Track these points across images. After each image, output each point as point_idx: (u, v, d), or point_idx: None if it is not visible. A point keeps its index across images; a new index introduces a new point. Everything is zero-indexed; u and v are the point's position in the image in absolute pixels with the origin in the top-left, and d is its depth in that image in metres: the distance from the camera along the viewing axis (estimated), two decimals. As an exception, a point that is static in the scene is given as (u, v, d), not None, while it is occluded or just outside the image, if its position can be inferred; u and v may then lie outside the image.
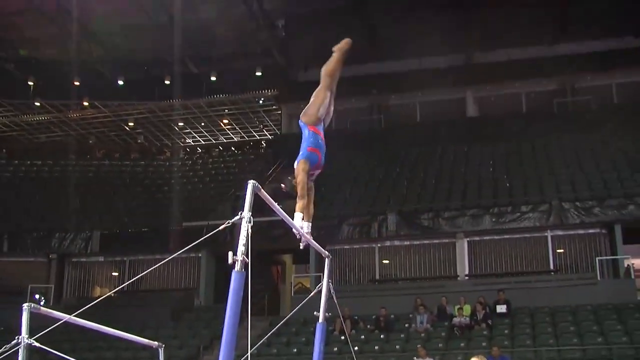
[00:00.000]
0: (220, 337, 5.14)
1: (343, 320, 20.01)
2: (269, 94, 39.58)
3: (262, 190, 5.61)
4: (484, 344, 20.71)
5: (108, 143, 44.81)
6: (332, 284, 8.20)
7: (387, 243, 27.01)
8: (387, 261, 27.41)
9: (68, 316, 6.37)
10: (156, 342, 9.11)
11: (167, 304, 27.09)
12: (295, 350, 22.50)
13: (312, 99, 7.67)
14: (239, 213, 5.22)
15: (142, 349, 20.66)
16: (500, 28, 34.97)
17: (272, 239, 24.63)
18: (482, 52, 36.20)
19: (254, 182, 5.47)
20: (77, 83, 37.88)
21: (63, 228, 30.41)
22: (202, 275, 28.17)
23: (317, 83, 7.84)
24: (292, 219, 6.98)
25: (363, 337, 22.72)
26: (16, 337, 5.82)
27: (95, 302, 6.49)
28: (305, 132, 7.52)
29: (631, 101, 33.95)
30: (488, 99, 36.85)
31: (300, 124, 7.63)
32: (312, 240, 7.25)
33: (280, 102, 39.72)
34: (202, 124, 43.73)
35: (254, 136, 45.18)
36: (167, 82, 38.12)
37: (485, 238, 26.19)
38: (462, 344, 21.33)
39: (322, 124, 7.66)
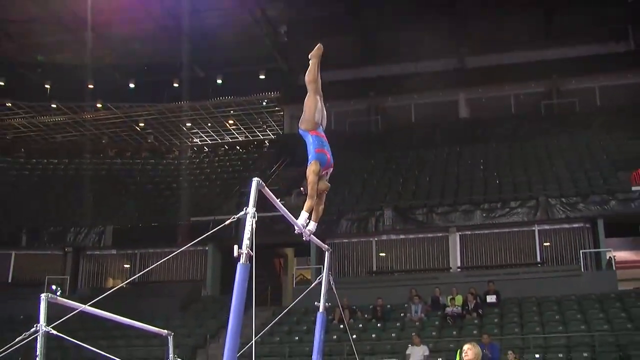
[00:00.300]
0: (226, 326, 5.16)
1: (342, 310, 20.01)
2: (272, 96, 39.60)
3: (266, 187, 5.62)
4: (474, 332, 20.72)
5: (120, 143, 44.82)
6: (331, 275, 8.22)
7: (384, 237, 27.00)
8: (383, 254, 27.41)
9: (83, 306, 6.39)
10: (165, 331, 9.12)
11: (176, 295, 27.07)
12: (296, 338, 22.52)
13: (305, 108, 7.72)
14: (244, 209, 5.24)
15: (153, 337, 20.65)
16: (491, 34, 35.06)
17: (274, 233, 24.63)
18: (473, 57, 36.20)
19: (258, 179, 5.48)
20: (91, 86, 37.91)
21: (78, 223, 30.44)
22: (208, 267, 28.15)
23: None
24: (298, 216, 6.98)
25: (361, 325, 22.73)
26: (35, 325, 5.84)
27: (108, 292, 6.50)
28: (309, 138, 7.49)
29: (614, 103, 33.94)
30: (479, 101, 36.85)
31: (301, 132, 7.61)
32: (314, 237, 7.26)
33: (282, 104, 39.70)
34: (209, 124, 43.73)
35: (258, 136, 45.18)
36: (175, 85, 38.18)
37: (476, 232, 26.20)
38: (454, 332, 21.34)
39: (321, 126, 7.63)
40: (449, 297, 22.75)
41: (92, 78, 37.48)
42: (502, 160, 31.41)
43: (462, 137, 33.91)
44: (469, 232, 26.26)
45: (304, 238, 7.10)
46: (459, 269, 25.91)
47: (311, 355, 8.17)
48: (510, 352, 17.95)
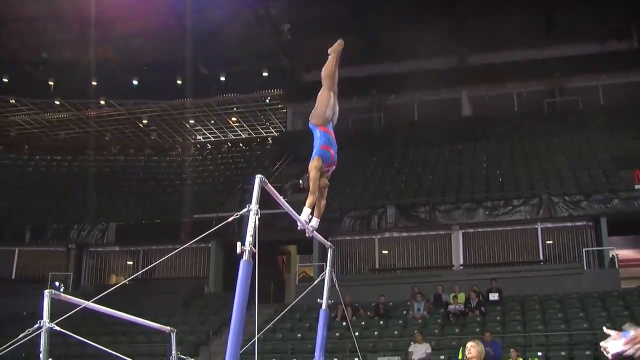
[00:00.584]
0: (229, 323, 5.15)
1: (345, 308, 20.02)
2: (275, 93, 39.58)
3: (269, 184, 5.61)
4: (477, 329, 20.72)
5: (123, 140, 44.82)
6: (334, 273, 8.21)
7: (386, 234, 27.00)
8: (386, 251, 27.41)
9: (86, 302, 6.39)
10: (168, 327, 9.13)
11: (179, 292, 27.09)
12: (299, 335, 22.52)
13: (317, 102, 7.64)
14: (247, 206, 5.23)
15: (155, 333, 20.69)
16: (493, 33, 35.00)
17: (277, 230, 24.64)
18: (475, 55, 36.19)
19: (261, 176, 5.47)
20: (94, 83, 37.92)
21: (81, 220, 30.52)
22: (211, 264, 28.16)
23: (320, 84, 7.83)
24: (300, 212, 6.96)
25: (363, 323, 22.73)
26: (38, 322, 5.84)
27: (111, 289, 6.50)
28: (317, 133, 7.47)
29: (616, 102, 33.89)
30: (482, 99, 36.81)
31: (310, 126, 7.58)
32: (316, 233, 7.24)
33: (285, 102, 39.75)
34: (212, 121, 43.70)
35: (261, 133, 45.13)
36: (178, 82, 38.17)
37: (478, 230, 26.19)
38: (456, 330, 21.35)
39: (331, 123, 7.60)
40: (451, 295, 22.74)
41: (95, 75, 37.48)
42: (505, 158, 31.39)
43: (465, 135, 33.91)
44: (472, 230, 26.24)
45: (306, 234, 7.09)
46: (461, 267, 25.91)
47: (313, 352, 8.16)
48: (512, 349, 17.96)
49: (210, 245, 27.86)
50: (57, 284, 27.62)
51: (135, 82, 38.65)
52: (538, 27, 35.51)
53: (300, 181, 7.34)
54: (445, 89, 36.35)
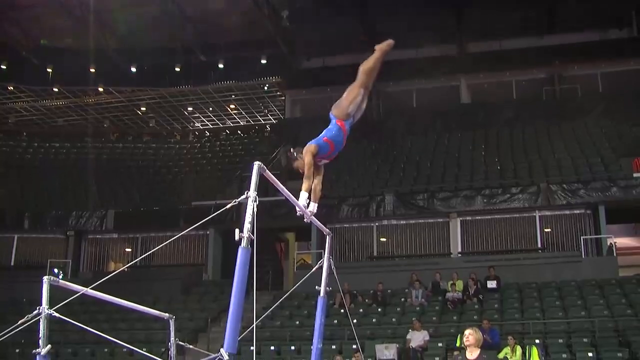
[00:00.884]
0: (227, 310, 5.16)
1: (343, 295, 20.06)
2: (274, 80, 39.52)
3: (267, 171, 5.61)
4: (475, 317, 20.79)
5: (122, 127, 44.79)
6: (332, 260, 8.21)
7: (385, 222, 27.02)
8: (384, 239, 27.46)
9: (85, 289, 6.40)
10: (167, 314, 9.15)
11: (178, 279, 27.14)
12: (297, 322, 22.59)
13: (345, 94, 7.37)
14: (245, 192, 5.23)
15: (154, 320, 20.74)
16: (492, 20, 34.87)
17: (276, 217, 24.67)
18: (475, 43, 36.08)
19: (260, 163, 5.46)
20: (92, 70, 37.81)
21: (80, 207, 30.53)
22: (210, 252, 28.22)
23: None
24: (297, 198, 6.92)
25: (361, 310, 22.79)
26: (37, 308, 5.85)
27: (110, 275, 6.51)
28: (332, 124, 7.33)
29: (615, 90, 33.85)
30: (481, 86, 36.77)
31: (330, 115, 7.43)
32: (315, 219, 7.22)
33: (284, 89, 39.69)
34: (210, 108, 43.65)
35: (259, 121, 45.10)
36: (177, 69, 38.09)
37: (477, 217, 26.22)
38: (454, 317, 21.41)
39: (352, 119, 7.44)
40: (449, 282, 22.79)
41: (93, 62, 37.38)
42: (504, 146, 31.39)
43: (464, 123, 33.88)
44: (470, 218, 26.28)
45: (305, 219, 7.07)
46: (459, 254, 25.95)
47: (312, 339, 8.18)
48: (510, 337, 18.01)
49: (208, 232, 27.91)
50: (56, 270, 27.66)
51: (133, 69, 38.54)
52: (538, 15, 35.41)
53: (293, 151, 7.25)
54: (444, 77, 36.25)
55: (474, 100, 36.56)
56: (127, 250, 30.33)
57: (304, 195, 6.96)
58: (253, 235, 5.08)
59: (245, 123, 45.38)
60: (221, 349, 4.96)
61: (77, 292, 6.31)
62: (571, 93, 35.11)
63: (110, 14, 34.86)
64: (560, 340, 19.03)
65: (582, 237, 24.69)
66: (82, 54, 36.08)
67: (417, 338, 19.33)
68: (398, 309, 22.65)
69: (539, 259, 24.88)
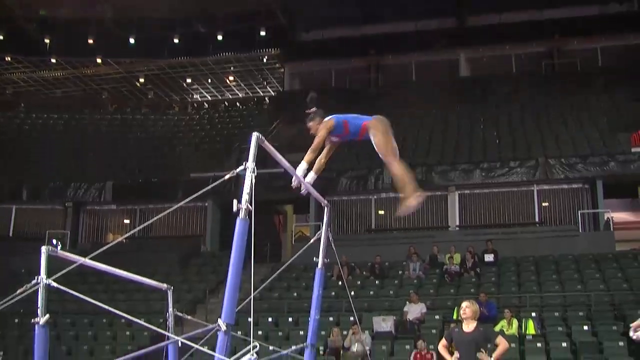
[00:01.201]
0: (225, 282, 5.16)
1: (340, 267, 20.07)
2: (272, 53, 39.39)
3: (266, 142, 5.58)
4: (472, 290, 20.85)
5: (120, 98, 44.67)
6: (330, 232, 8.21)
7: (383, 195, 26.99)
8: (382, 212, 27.48)
9: (83, 259, 6.39)
10: (165, 285, 9.15)
11: (176, 250, 27.20)
12: (295, 294, 22.65)
13: (384, 138, 7.80)
14: (244, 163, 5.21)
15: (153, 291, 20.76)
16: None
17: (274, 189, 24.65)
18: (475, 16, 35.93)
19: (258, 134, 5.42)
20: (91, 41, 37.69)
21: (78, 178, 30.50)
22: (208, 223, 28.27)
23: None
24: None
25: (359, 282, 22.85)
26: (35, 277, 5.85)
27: (108, 245, 6.49)
28: (361, 119, 7.46)
29: (615, 64, 33.77)
30: (480, 60, 36.63)
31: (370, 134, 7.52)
32: (312, 188, 7.17)
33: (282, 61, 39.58)
34: (209, 80, 43.56)
35: (258, 93, 45.02)
36: (176, 40, 37.95)
37: (475, 191, 26.26)
38: (451, 290, 21.47)
39: (367, 137, 7.58)
40: (447, 256, 22.81)
41: (92, 33, 37.27)
42: (502, 120, 31.35)
43: (462, 97, 33.79)
44: (468, 192, 26.31)
45: (301, 191, 7.04)
46: (457, 228, 25.99)
47: (309, 311, 8.20)
48: (507, 310, 18.10)
49: (207, 204, 27.94)
50: (54, 241, 27.69)
51: (132, 41, 38.36)
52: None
53: (315, 110, 7.25)
54: (443, 50, 36.14)
55: (473, 74, 36.46)
56: (126, 221, 30.35)
57: (303, 165, 6.93)
58: (251, 207, 5.07)
59: (244, 95, 45.31)
60: (219, 320, 4.97)
61: (76, 262, 6.30)
62: (570, 67, 35.01)
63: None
64: (557, 314, 19.12)
65: (579, 212, 24.75)
66: (81, 24, 35.94)
67: (415, 310, 19.41)
68: (395, 281, 22.73)
69: (537, 233, 24.95)
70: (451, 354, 9.77)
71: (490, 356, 9.54)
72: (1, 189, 30.02)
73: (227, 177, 5.56)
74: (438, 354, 14.35)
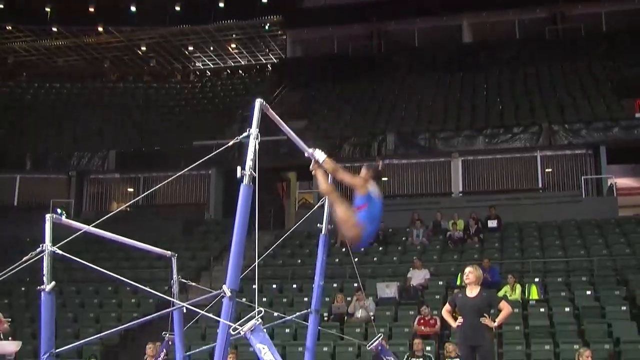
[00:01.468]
0: (229, 249, 5.17)
1: (344, 234, 20.06)
2: (275, 20, 39.14)
3: (270, 109, 5.56)
4: (475, 256, 20.89)
5: (122, 67, 44.50)
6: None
7: (386, 161, 26.98)
8: (385, 178, 27.46)
9: (88, 227, 6.40)
10: (169, 252, 9.18)
11: (180, 218, 27.27)
12: (299, 261, 22.73)
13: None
14: (247, 130, 5.19)
15: (157, 259, 20.90)
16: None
17: (277, 156, 24.64)
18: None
19: (261, 100, 5.40)
20: (92, 9, 37.46)
21: (81, 147, 30.52)
22: (211, 191, 28.31)
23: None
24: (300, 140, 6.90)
25: (363, 249, 22.88)
26: (40, 245, 5.87)
27: (112, 213, 6.52)
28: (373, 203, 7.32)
29: (619, 29, 33.50)
30: (483, 25, 36.35)
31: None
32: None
33: (285, 28, 39.33)
34: (211, 48, 43.35)
35: (260, 60, 44.81)
36: (177, 8, 37.72)
37: (478, 157, 26.25)
38: (455, 256, 21.52)
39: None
40: (450, 222, 22.84)
41: (92, 1, 37.04)
42: (505, 86, 31.26)
43: (466, 62, 33.66)
44: (471, 158, 26.30)
45: (310, 168, 7.09)
46: (460, 194, 26.02)
47: (313, 278, 8.23)
48: (510, 275, 18.15)
49: (210, 172, 27.96)
50: (58, 210, 27.73)
51: (133, 9, 38.14)
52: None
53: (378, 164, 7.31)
54: (446, 16, 35.89)
55: (476, 39, 36.21)
56: (129, 190, 30.40)
57: (322, 155, 6.98)
58: (255, 173, 5.06)
59: (246, 63, 45.10)
60: (224, 286, 4.98)
61: (80, 230, 6.32)
62: (574, 33, 34.71)
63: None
64: (559, 279, 19.17)
65: (582, 177, 24.76)
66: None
67: (418, 276, 19.46)
68: (399, 247, 22.78)
69: (540, 199, 24.96)
70: (455, 319, 9.82)
71: (494, 321, 9.59)
72: (5, 158, 30.04)
73: (230, 143, 5.55)
74: (442, 319, 14.46)
